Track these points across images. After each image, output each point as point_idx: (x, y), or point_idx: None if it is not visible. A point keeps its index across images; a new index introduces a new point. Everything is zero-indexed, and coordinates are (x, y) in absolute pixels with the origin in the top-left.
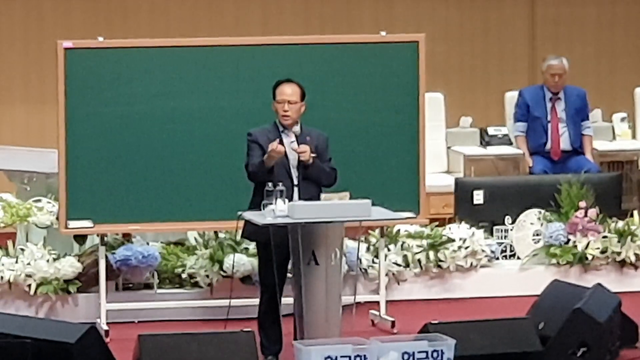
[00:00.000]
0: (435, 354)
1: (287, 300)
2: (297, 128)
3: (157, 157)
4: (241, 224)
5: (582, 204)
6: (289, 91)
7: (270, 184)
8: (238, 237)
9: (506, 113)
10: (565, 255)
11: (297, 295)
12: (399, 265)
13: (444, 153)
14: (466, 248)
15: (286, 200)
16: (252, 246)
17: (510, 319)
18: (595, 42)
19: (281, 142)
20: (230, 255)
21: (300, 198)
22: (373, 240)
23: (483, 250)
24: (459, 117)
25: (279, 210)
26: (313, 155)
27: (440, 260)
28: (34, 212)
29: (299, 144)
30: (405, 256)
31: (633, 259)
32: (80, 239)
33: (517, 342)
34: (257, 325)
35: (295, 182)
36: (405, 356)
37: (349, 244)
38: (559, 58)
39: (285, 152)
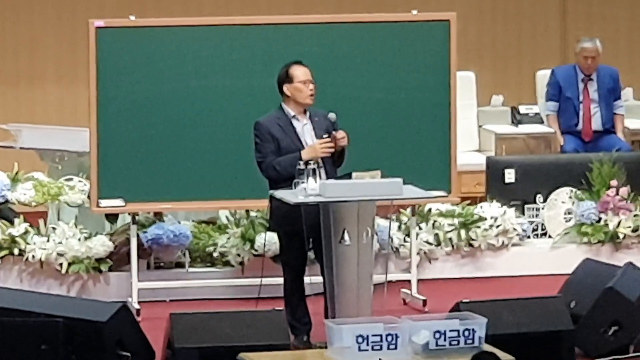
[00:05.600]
0: (466, 333)
1: (315, 280)
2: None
3: (189, 136)
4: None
5: (614, 182)
6: (308, 71)
7: (301, 162)
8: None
9: (538, 92)
10: (596, 234)
11: (329, 274)
12: (430, 243)
13: (475, 132)
14: (497, 227)
15: (318, 179)
16: None
17: (542, 297)
18: (627, 21)
19: (293, 129)
20: (262, 234)
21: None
22: (404, 218)
23: (514, 229)
24: (490, 95)
25: (311, 189)
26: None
27: (472, 239)
28: (65, 191)
29: (314, 127)
30: (436, 235)
31: None
32: (112, 217)
33: (549, 320)
34: (284, 306)
35: (320, 163)
36: (437, 335)
37: (381, 222)
38: (592, 40)
39: (299, 138)
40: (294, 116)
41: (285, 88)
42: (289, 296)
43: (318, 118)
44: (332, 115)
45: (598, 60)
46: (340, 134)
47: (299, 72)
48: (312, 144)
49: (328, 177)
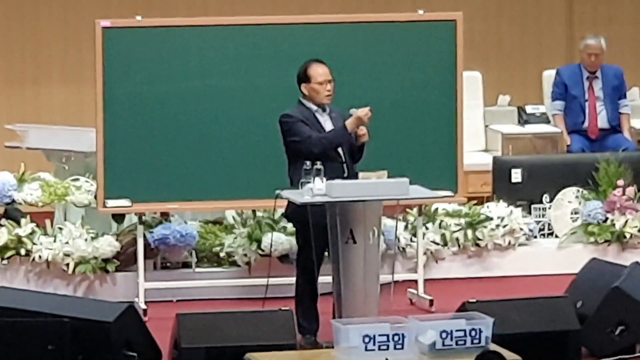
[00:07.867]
0: (473, 333)
1: (325, 279)
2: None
3: (195, 136)
4: (280, 202)
5: (620, 182)
6: (327, 70)
7: (308, 162)
8: (276, 216)
9: (544, 91)
10: (603, 234)
11: (336, 274)
12: (437, 243)
13: (481, 131)
14: (504, 226)
15: (324, 179)
16: (290, 225)
17: (548, 297)
18: (633, 21)
19: (317, 121)
20: (269, 234)
21: (349, 175)
22: (411, 218)
23: (521, 229)
24: (496, 95)
25: (317, 189)
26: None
27: (478, 239)
28: (72, 191)
29: (332, 123)
30: (443, 235)
31: None
32: (119, 217)
33: (555, 320)
34: (295, 305)
35: (343, 159)
36: (443, 335)
37: (387, 222)
38: (596, 38)
39: (325, 130)
40: (316, 110)
41: (302, 87)
42: (301, 296)
43: (335, 114)
44: (353, 111)
45: (602, 58)
46: (362, 129)
47: (317, 73)
48: (355, 114)
49: (350, 173)
